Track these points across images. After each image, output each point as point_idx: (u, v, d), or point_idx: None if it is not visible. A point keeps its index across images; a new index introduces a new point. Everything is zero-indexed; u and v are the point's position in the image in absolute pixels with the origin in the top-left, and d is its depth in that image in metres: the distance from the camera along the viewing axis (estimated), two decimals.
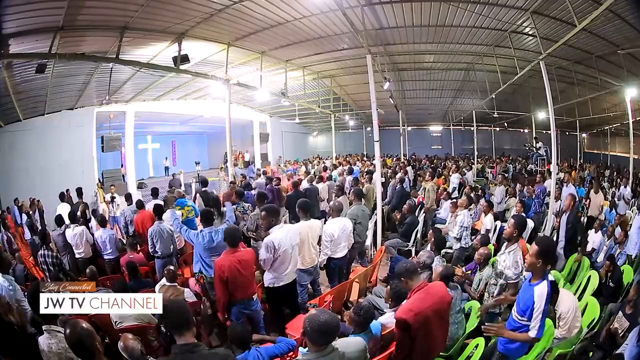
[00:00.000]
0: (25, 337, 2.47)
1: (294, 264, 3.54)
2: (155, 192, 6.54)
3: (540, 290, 2.24)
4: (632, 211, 6.97)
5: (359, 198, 4.81)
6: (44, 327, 2.28)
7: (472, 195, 6.69)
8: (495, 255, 3.85)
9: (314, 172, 9.81)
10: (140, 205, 5.60)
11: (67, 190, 7.99)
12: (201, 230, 3.83)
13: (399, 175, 7.78)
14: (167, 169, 16.36)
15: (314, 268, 3.94)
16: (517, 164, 14.67)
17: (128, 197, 6.47)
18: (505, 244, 3.26)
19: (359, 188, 5.45)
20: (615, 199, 7.75)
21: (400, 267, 2.46)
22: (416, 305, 2.27)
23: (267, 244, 3.31)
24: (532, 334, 2.24)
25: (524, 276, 2.87)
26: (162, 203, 5.27)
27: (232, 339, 2.57)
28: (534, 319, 2.23)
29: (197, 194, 6.89)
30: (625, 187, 8.01)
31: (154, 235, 4.50)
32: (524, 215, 5.61)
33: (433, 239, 4.10)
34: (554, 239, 5.12)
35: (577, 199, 6.83)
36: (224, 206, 4.97)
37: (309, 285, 3.98)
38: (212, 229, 3.78)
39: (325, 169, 10.21)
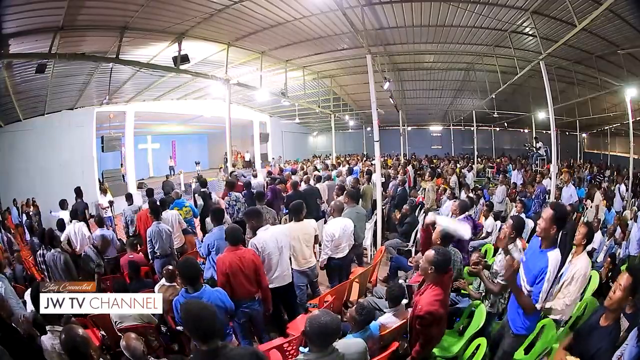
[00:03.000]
0: (24, 339, 2.47)
1: (284, 266, 3.48)
2: (150, 193, 6.53)
3: (555, 256, 2.15)
4: (632, 210, 6.98)
5: (353, 200, 4.78)
6: (47, 327, 2.29)
7: (471, 195, 6.69)
8: (495, 255, 3.85)
9: (311, 170, 9.84)
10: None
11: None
12: (211, 230, 3.84)
13: (400, 177, 7.78)
14: (172, 168, 16.31)
15: (311, 269, 3.91)
16: (516, 163, 14.69)
17: (129, 197, 6.47)
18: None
19: (352, 190, 5.43)
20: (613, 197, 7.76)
21: (443, 257, 2.32)
22: (441, 297, 2.32)
23: (251, 245, 3.30)
24: (539, 305, 2.16)
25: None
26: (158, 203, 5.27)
27: (183, 276, 2.59)
28: (544, 288, 2.12)
29: (195, 194, 6.91)
30: (621, 184, 8.04)
31: (152, 236, 4.50)
32: (523, 215, 5.62)
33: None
34: None
35: (577, 202, 6.89)
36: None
37: (307, 287, 3.95)
38: (222, 227, 3.77)
39: (327, 167, 10.20)
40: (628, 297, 1.89)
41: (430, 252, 2.38)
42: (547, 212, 2.24)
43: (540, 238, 2.29)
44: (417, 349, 2.39)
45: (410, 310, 2.89)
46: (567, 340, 2.22)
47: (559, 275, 3.18)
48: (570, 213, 5.07)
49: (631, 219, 5.60)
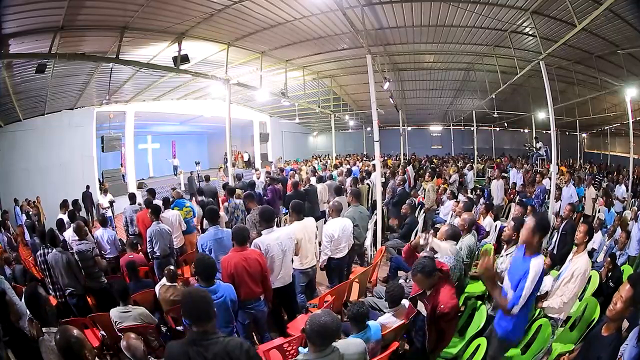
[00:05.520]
0: (31, 341, 2.46)
1: (286, 268, 3.46)
2: (152, 193, 6.52)
3: (537, 263, 2.15)
4: (632, 210, 6.98)
5: (357, 199, 4.79)
6: (43, 330, 2.28)
7: (470, 196, 6.69)
8: (494, 254, 3.85)
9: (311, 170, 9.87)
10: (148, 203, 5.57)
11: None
12: (206, 231, 3.84)
13: (399, 177, 7.77)
14: (175, 168, 16.28)
15: (312, 269, 3.93)
16: (517, 163, 14.69)
17: (132, 197, 6.47)
18: (504, 247, 3.26)
19: (357, 189, 5.45)
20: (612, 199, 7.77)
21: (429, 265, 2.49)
22: (454, 290, 2.56)
23: (255, 245, 3.28)
24: (511, 304, 2.15)
25: None
26: (159, 203, 5.25)
27: (199, 273, 2.63)
28: (522, 294, 2.11)
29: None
30: (620, 184, 8.04)
31: (153, 236, 4.50)
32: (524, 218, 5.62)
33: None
34: (553, 240, 5.16)
35: (577, 202, 6.94)
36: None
37: (305, 287, 3.94)
38: (217, 227, 3.79)
39: (327, 167, 10.20)
40: (629, 308, 1.90)
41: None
42: (529, 222, 2.31)
43: (524, 246, 2.35)
44: (443, 343, 2.60)
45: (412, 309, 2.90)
46: (576, 350, 2.23)
47: (559, 273, 3.21)
48: (571, 214, 5.07)
49: (631, 219, 5.60)
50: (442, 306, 2.42)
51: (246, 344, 1.79)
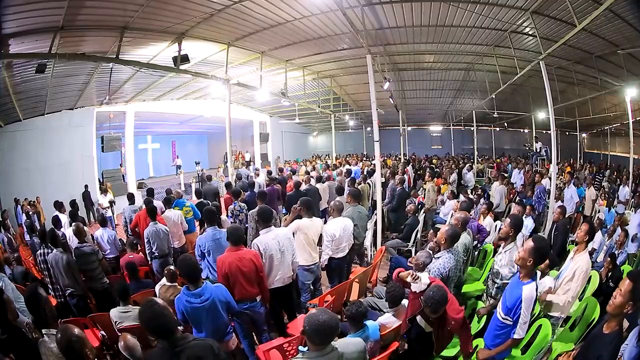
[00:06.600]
0: (29, 340, 2.46)
1: (286, 268, 3.45)
2: (150, 193, 6.53)
3: (530, 291, 2.21)
4: (632, 211, 6.98)
5: (355, 199, 4.79)
6: (43, 331, 2.28)
7: (470, 197, 6.68)
8: (494, 255, 3.85)
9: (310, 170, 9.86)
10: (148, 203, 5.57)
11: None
12: (204, 232, 3.85)
13: (398, 176, 7.76)
14: (178, 167, 16.26)
15: (316, 266, 3.94)
16: (517, 163, 14.67)
17: (130, 197, 6.47)
18: (502, 244, 3.26)
19: (356, 189, 5.45)
20: (615, 200, 7.77)
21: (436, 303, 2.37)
22: (457, 303, 2.57)
23: (254, 246, 3.30)
24: (517, 335, 2.22)
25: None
26: (156, 204, 5.25)
27: (183, 274, 2.60)
28: (521, 322, 2.19)
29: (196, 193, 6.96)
30: (624, 186, 8.03)
31: (150, 236, 4.51)
32: (530, 219, 5.64)
33: (433, 239, 4.09)
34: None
35: (578, 202, 6.94)
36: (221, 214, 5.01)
37: (311, 286, 3.95)
38: (215, 228, 3.78)
39: (328, 167, 10.16)
40: (629, 302, 1.89)
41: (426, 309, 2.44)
42: (527, 243, 2.30)
43: (519, 267, 2.36)
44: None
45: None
46: (577, 349, 2.23)
47: (559, 273, 3.21)
48: (560, 216, 5.10)
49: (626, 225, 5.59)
50: (452, 322, 2.42)
51: (216, 346, 1.83)
